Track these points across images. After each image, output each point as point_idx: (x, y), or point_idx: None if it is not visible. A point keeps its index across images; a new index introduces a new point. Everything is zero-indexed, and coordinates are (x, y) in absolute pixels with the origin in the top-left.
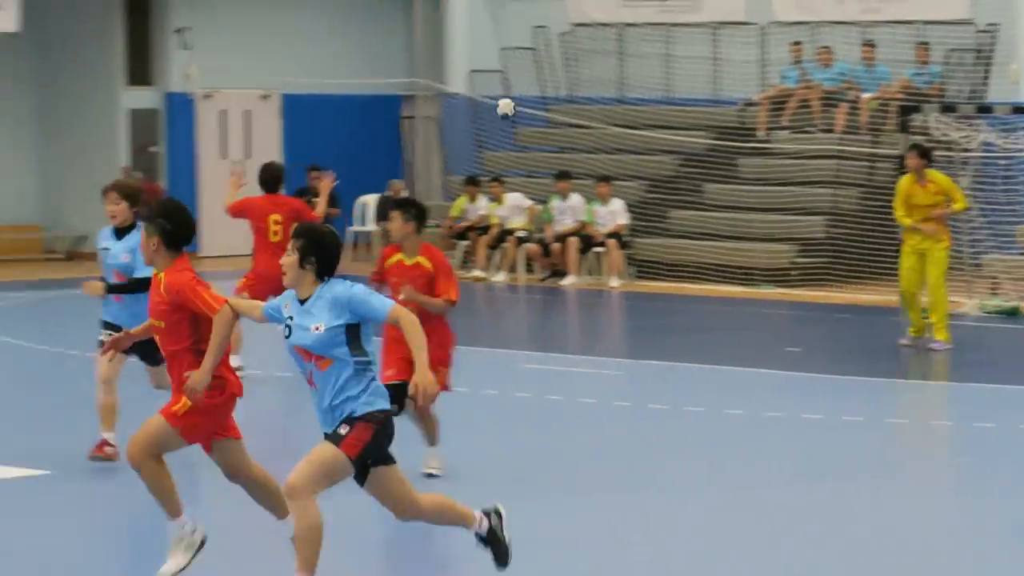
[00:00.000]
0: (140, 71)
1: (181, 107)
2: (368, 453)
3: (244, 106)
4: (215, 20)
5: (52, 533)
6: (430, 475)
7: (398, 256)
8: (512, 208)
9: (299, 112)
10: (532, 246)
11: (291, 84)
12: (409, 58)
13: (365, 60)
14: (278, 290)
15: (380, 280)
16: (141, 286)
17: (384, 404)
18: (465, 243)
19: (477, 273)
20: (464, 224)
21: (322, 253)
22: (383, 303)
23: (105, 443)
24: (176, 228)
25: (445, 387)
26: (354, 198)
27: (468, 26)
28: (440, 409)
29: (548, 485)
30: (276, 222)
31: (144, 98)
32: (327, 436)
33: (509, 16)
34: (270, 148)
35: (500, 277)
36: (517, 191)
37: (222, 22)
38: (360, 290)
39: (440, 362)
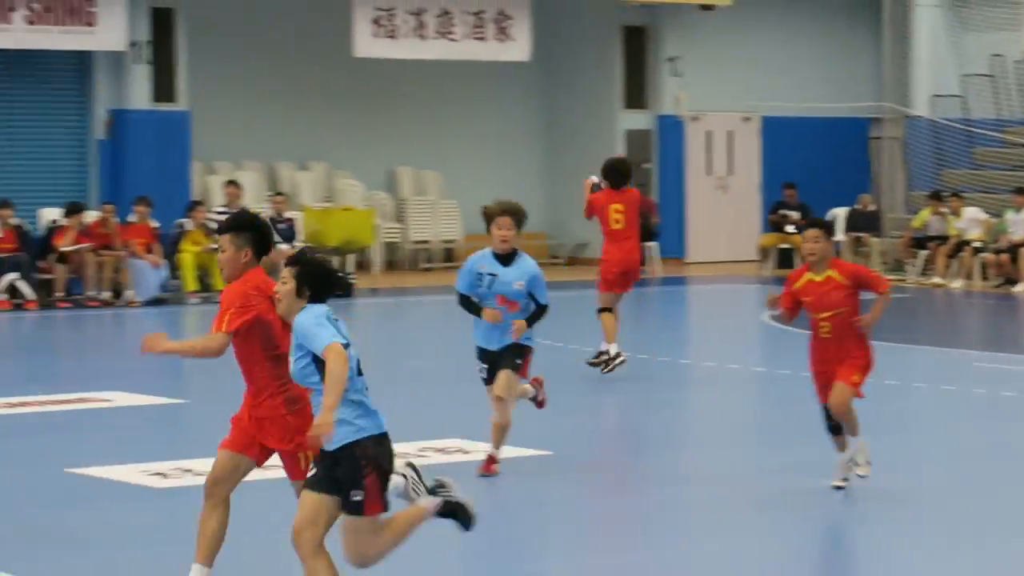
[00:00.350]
0: (635, 95)
1: (671, 128)
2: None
3: (727, 127)
4: (703, 50)
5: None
6: (859, 476)
7: (807, 276)
8: (969, 221)
9: (777, 133)
10: (988, 255)
11: (770, 107)
12: (876, 83)
13: (836, 85)
14: (628, 273)
15: (790, 306)
16: (543, 314)
17: (372, 428)
18: (925, 252)
19: (936, 280)
20: (926, 235)
21: (316, 282)
22: (320, 339)
23: (492, 460)
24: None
25: (857, 393)
26: (825, 211)
27: (931, 54)
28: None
29: None
30: (617, 211)
31: (638, 120)
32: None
33: (968, 45)
34: (750, 166)
35: (957, 284)
36: (974, 205)
37: (709, 52)
38: (308, 321)
39: (859, 369)
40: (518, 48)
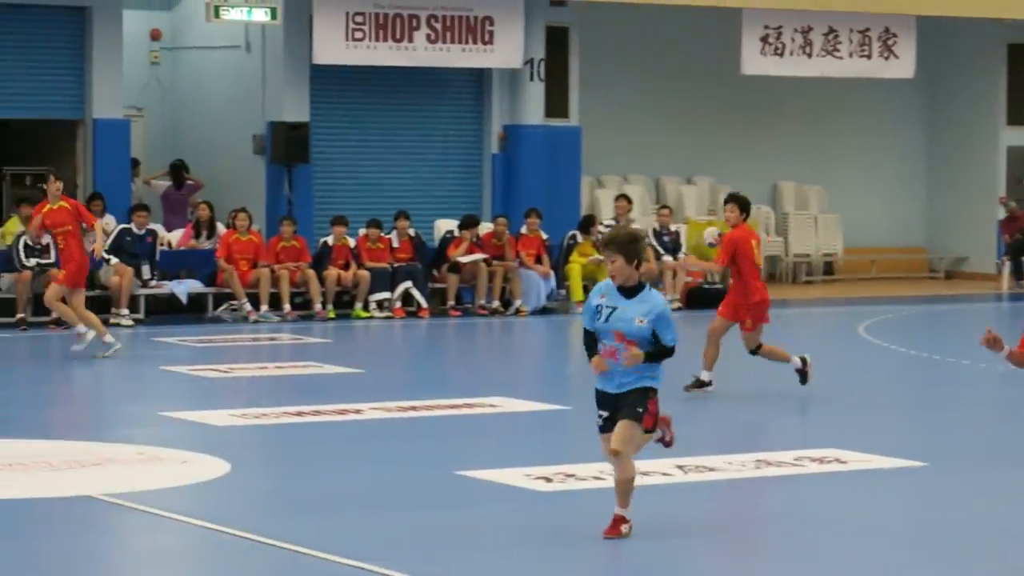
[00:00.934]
0: (1018, 112)
1: None
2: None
3: None
4: None
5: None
6: None
7: None
8: None
9: None
10: None
11: None
12: None
13: None
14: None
15: None
16: (667, 355)
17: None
18: None
19: None
20: None
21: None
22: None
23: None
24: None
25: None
26: None
27: None
28: None
29: None
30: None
31: (1021, 136)
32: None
33: None
34: None
35: None
36: None
37: None
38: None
39: None
40: (902, 65)
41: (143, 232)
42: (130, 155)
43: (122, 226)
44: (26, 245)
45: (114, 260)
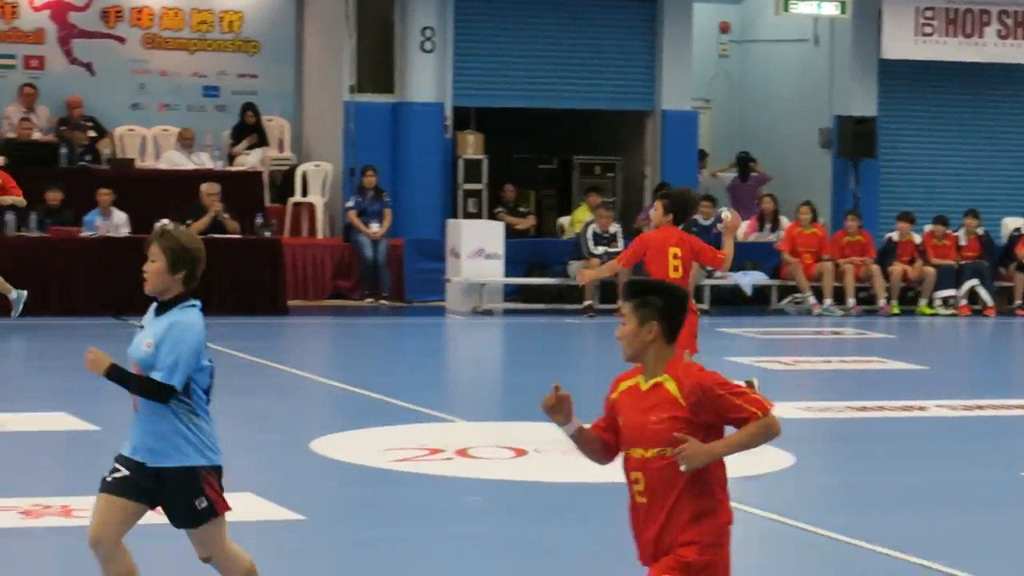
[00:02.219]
0: None
1: None
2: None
3: None
4: None
5: None
6: None
7: None
8: None
9: None
10: None
11: None
12: None
13: None
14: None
15: None
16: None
17: None
18: None
19: None
20: None
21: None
22: None
23: None
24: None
25: None
26: None
27: None
28: None
29: None
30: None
31: None
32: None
33: None
34: None
35: None
36: None
37: None
38: None
39: None
40: None
41: (709, 223)
42: (697, 147)
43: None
44: (595, 234)
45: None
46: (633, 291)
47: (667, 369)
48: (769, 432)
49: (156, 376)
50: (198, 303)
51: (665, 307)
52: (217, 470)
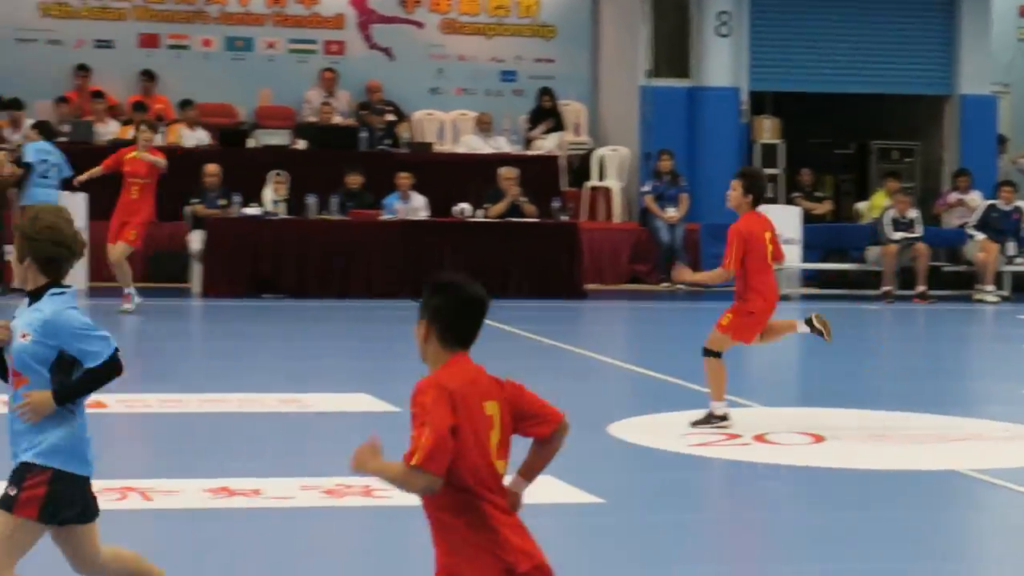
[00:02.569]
0: None
1: None
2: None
3: None
4: None
5: None
6: None
7: None
8: None
9: None
10: None
11: None
12: None
13: None
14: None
15: None
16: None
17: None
18: None
19: None
20: None
21: None
22: None
23: None
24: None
25: None
26: None
27: None
28: None
29: None
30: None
31: None
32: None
33: None
34: None
35: None
36: None
37: None
38: None
39: None
40: None
41: (1009, 208)
42: (996, 132)
43: (988, 202)
44: (893, 219)
45: (979, 236)
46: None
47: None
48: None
49: (93, 363)
50: (68, 288)
51: (441, 306)
52: (59, 475)
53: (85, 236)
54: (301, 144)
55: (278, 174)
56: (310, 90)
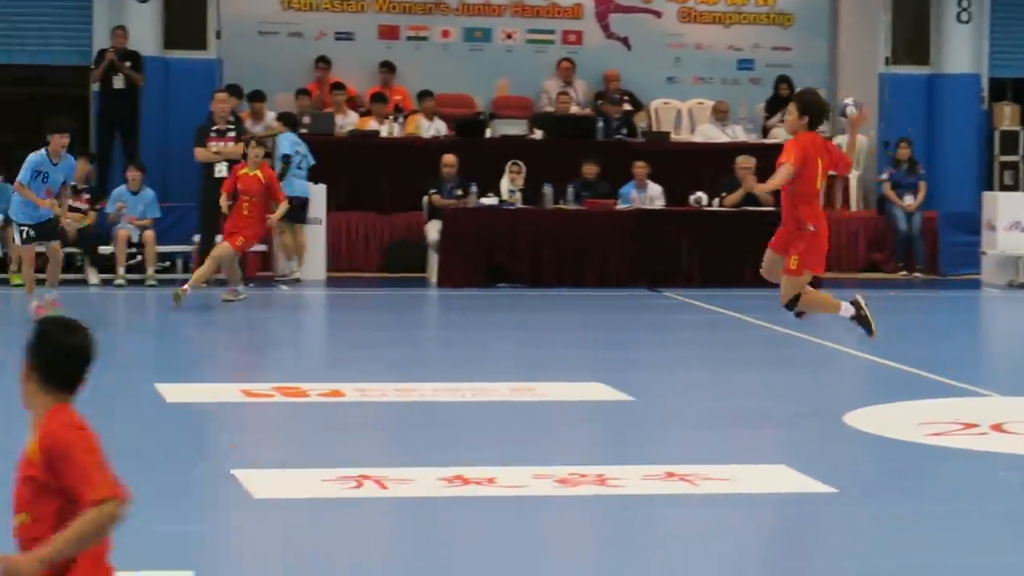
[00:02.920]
0: None
1: None
2: None
3: None
4: None
5: None
6: None
7: None
8: None
9: None
10: None
11: None
12: None
13: None
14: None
15: None
16: None
17: None
18: None
19: None
20: None
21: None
22: None
23: None
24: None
25: None
26: None
27: None
28: None
29: None
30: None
31: None
32: None
33: None
34: None
35: None
36: None
37: None
38: None
39: None
40: None
41: None
42: None
43: None
44: None
45: None
46: None
47: (43, 419)
48: (101, 527)
49: None
50: None
51: (36, 350)
52: None
53: (323, 228)
54: (538, 134)
55: (515, 164)
56: (547, 80)
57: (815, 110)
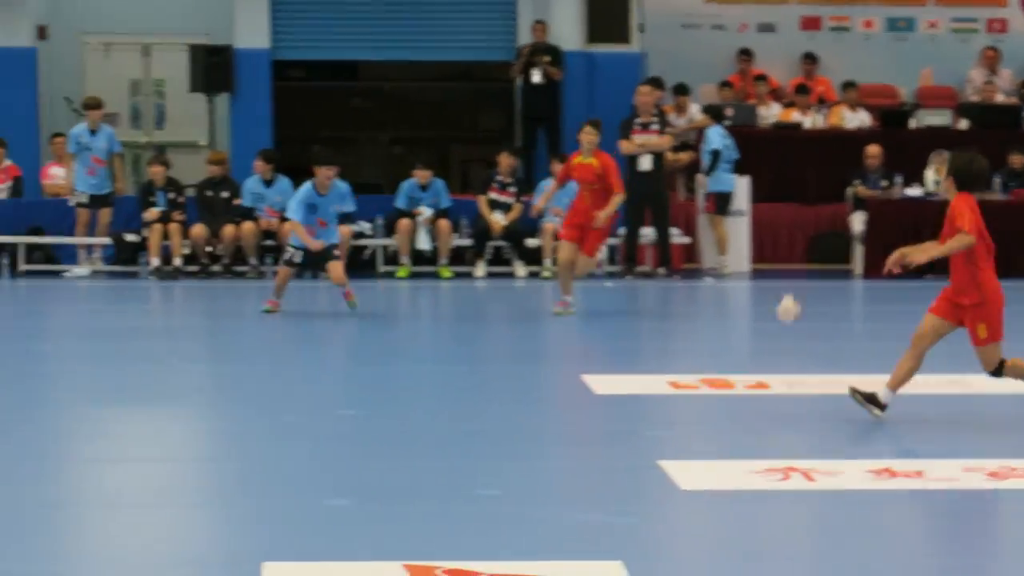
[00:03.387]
0: None
1: None
2: None
3: None
4: None
5: None
6: None
7: None
8: None
9: None
10: None
11: None
12: None
13: None
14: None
15: None
16: None
17: None
18: None
19: None
20: None
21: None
22: None
23: None
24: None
25: None
26: None
27: None
28: None
29: None
30: None
31: None
32: None
33: None
34: None
35: None
36: None
37: None
38: None
39: None
40: None
41: None
42: None
43: None
44: None
45: None
46: None
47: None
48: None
49: None
50: None
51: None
52: None
53: (748, 219)
54: (963, 124)
55: (940, 154)
56: (972, 69)
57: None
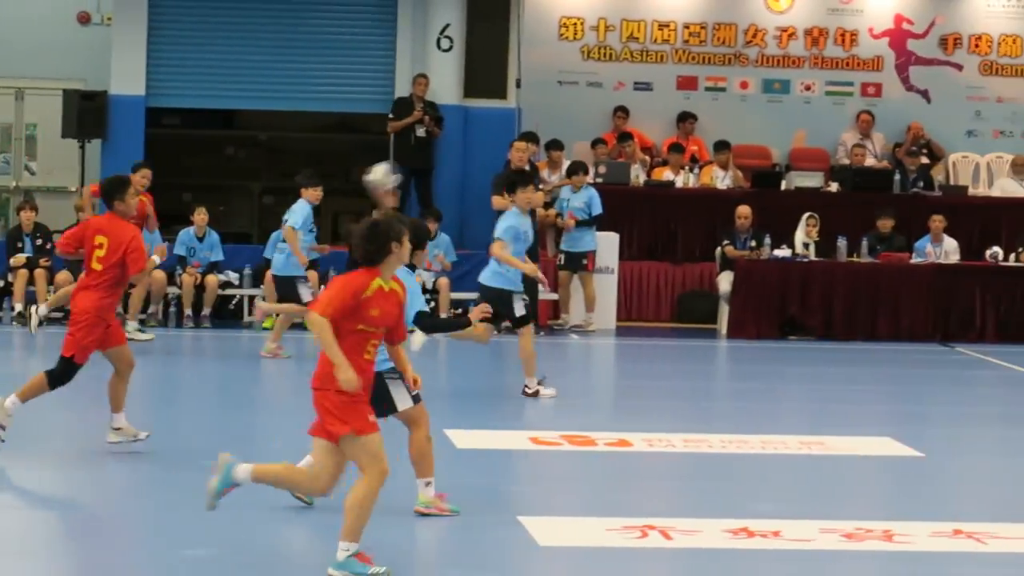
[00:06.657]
0: None
1: None
2: None
3: None
4: None
5: None
6: None
7: None
8: None
9: None
10: None
11: None
12: None
13: None
14: None
15: None
16: None
17: None
18: None
19: None
20: None
21: None
22: None
23: None
24: None
25: None
26: None
27: None
28: None
29: None
30: None
31: None
32: None
33: None
34: None
35: None
36: None
37: None
38: None
39: None
40: None
41: None
42: None
43: None
44: None
45: None
46: None
47: None
48: None
49: None
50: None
51: None
52: None
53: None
54: (834, 186)
55: (812, 217)
56: (845, 132)
57: None
